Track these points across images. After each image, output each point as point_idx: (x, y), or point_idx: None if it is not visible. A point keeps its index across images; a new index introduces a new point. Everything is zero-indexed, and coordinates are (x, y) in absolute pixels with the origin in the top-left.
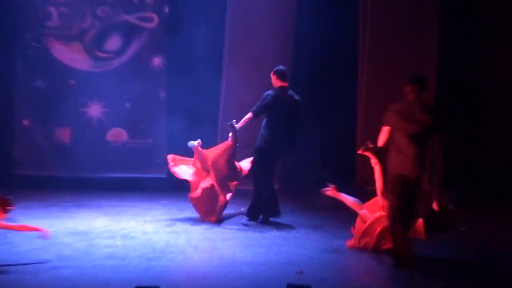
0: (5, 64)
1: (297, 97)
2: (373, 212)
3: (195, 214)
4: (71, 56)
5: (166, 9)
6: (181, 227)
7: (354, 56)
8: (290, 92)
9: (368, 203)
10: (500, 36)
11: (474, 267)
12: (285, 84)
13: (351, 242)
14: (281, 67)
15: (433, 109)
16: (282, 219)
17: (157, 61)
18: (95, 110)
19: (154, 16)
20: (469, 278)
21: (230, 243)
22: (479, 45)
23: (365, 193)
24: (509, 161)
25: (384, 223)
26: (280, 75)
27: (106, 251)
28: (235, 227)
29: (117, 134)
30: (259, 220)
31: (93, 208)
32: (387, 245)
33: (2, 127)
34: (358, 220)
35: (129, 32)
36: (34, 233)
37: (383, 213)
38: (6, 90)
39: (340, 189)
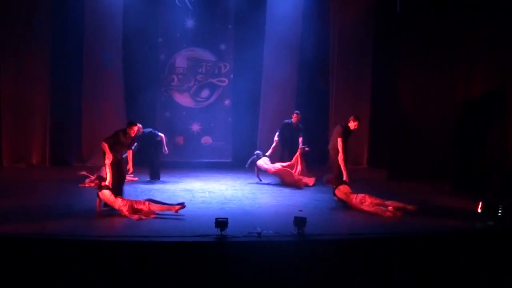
0: (151, 104)
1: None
2: None
3: (246, 180)
4: (183, 100)
5: (232, 76)
6: (239, 186)
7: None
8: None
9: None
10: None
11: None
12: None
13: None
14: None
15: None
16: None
17: (227, 102)
18: (195, 127)
19: (226, 79)
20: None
21: (265, 195)
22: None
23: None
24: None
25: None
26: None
27: (201, 200)
28: (268, 187)
29: (206, 139)
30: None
31: (194, 177)
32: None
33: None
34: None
35: (213, 87)
36: (166, 192)
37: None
38: (152, 117)
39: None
